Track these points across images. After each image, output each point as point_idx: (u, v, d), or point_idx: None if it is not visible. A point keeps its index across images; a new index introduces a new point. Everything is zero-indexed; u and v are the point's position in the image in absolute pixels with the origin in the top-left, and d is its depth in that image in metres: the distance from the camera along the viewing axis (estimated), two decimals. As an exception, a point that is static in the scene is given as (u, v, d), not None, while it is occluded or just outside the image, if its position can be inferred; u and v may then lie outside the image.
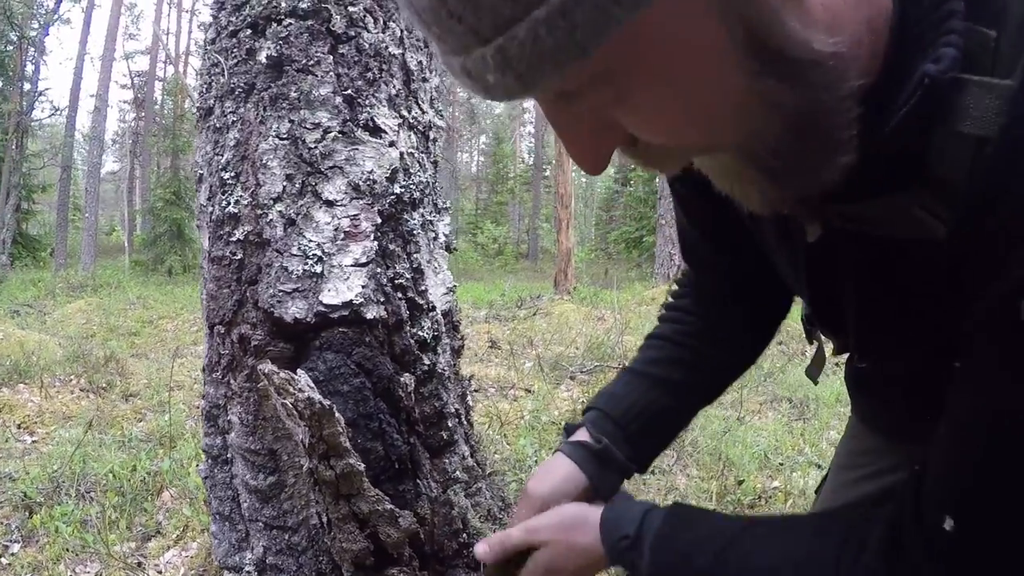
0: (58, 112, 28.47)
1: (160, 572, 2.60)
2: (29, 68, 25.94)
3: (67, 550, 2.79)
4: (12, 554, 2.83)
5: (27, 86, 25.72)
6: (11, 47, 25.45)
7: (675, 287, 1.59)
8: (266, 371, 1.54)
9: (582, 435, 1.38)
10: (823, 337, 1.42)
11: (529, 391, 5.05)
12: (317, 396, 1.50)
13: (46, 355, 6.87)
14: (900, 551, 0.89)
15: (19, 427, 4.81)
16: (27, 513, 3.14)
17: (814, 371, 1.58)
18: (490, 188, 49.18)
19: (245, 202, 1.70)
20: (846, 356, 1.38)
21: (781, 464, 3.68)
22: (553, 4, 0.52)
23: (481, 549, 1.31)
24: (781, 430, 4.26)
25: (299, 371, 1.60)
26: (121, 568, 2.65)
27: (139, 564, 2.70)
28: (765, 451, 3.79)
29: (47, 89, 30.34)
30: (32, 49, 25.90)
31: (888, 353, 1.10)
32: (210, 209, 1.79)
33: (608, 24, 0.53)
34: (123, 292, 16.00)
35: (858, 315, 1.01)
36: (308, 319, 1.65)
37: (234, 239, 1.72)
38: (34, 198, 28.01)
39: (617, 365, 5.57)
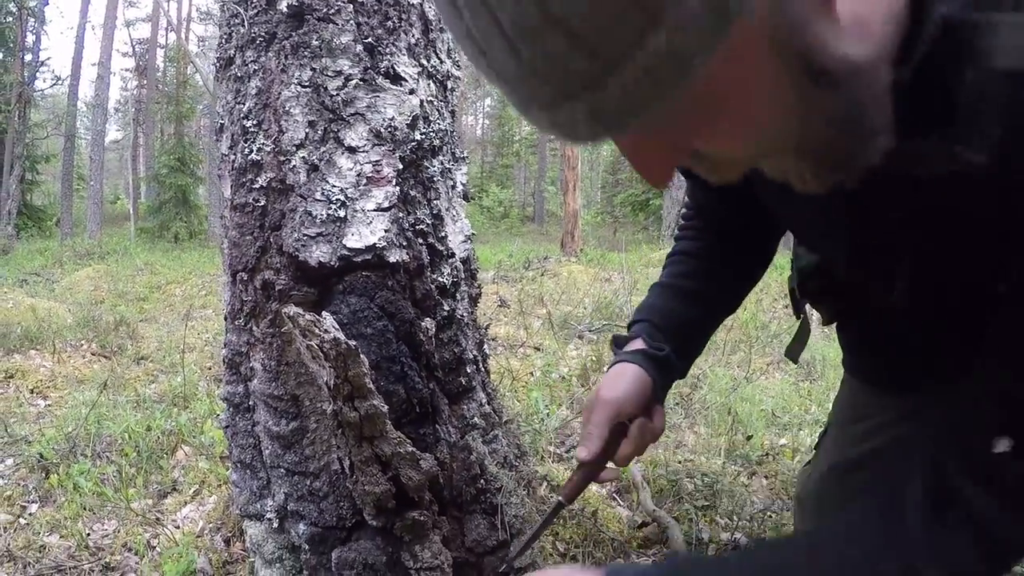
0: (60, 82, 28.37)
1: (178, 527, 2.62)
2: (30, 39, 25.85)
3: (84, 508, 2.82)
4: (30, 514, 2.85)
5: (28, 57, 25.62)
6: (11, 18, 25.32)
7: (684, 211, 1.72)
8: (291, 313, 1.57)
9: (639, 344, 1.52)
10: (809, 310, 1.61)
11: (538, 349, 5.08)
12: (342, 336, 1.52)
13: (56, 321, 6.90)
14: (945, 497, 0.92)
15: (32, 392, 4.85)
16: (43, 474, 3.18)
17: (796, 349, 1.73)
18: (495, 151, 48.93)
19: (268, 149, 1.72)
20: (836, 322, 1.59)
21: (788, 422, 3.71)
22: (637, 61, 0.60)
23: None
24: (788, 389, 4.28)
25: (324, 313, 1.62)
26: (139, 524, 2.68)
27: (157, 520, 2.73)
28: (772, 409, 3.81)
29: (48, 59, 30.20)
30: (32, 19, 25.78)
31: (938, 291, 1.12)
32: (232, 157, 1.81)
33: (686, 74, 0.62)
34: (130, 259, 16.00)
35: (914, 257, 1.05)
36: (332, 263, 1.67)
37: (257, 186, 1.74)
38: (38, 168, 27.92)
39: (626, 325, 5.59)
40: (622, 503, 2.63)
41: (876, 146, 0.80)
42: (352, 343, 1.53)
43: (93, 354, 5.94)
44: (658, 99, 0.64)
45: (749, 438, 3.31)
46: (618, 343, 1.60)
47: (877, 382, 1.62)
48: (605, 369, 1.95)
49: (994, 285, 0.89)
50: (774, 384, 4.38)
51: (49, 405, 4.58)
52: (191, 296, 10.48)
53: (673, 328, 1.53)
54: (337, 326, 1.56)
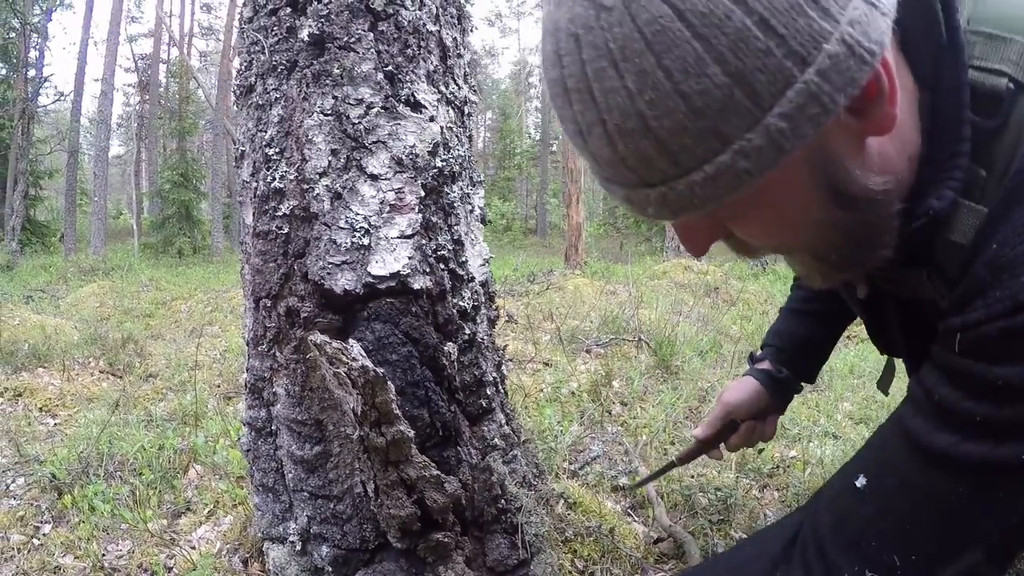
0: (63, 97, 28.47)
1: (194, 547, 2.61)
2: (33, 55, 25.94)
3: (99, 528, 2.80)
4: (43, 534, 2.82)
5: (31, 72, 25.70)
6: (14, 34, 25.41)
7: None
8: (318, 341, 1.58)
9: (766, 365, 2.01)
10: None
11: (547, 364, 5.08)
12: (370, 364, 1.54)
13: (63, 339, 6.88)
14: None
15: (41, 410, 4.80)
16: (56, 494, 3.14)
17: (884, 383, 1.91)
18: (497, 164, 49.04)
19: (291, 177, 1.73)
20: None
21: (798, 434, 3.71)
22: (706, 172, 0.80)
23: None
24: (796, 401, 4.26)
25: (351, 340, 1.64)
26: (155, 544, 2.68)
27: (172, 540, 2.72)
28: (782, 421, 3.81)
29: (51, 75, 30.32)
30: (35, 35, 25.87)
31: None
32: (254, 185, 1.83)
33: (740, 186, 0.81)
34: (135, 275, 15.98)
35: (905, 340, 1.35)
36: (357, 290, 1.69)
37: (280, 213, 1.76)
38: (41, 184, 28.00)
39: (633, 339, 5.60)
40: (637, 519, 2.64)
41: (876, 258, 1.03)
42: (380, 371, 1.55)
43: (101, 371, 5.92)
44: (715, 200, 0.83)
45: (760, 451, 3.31)
46: (752, 359, 2.09)
47: None
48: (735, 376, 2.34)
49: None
50: (783, 395, 4.38)
51: (59, 424, 4.54)
52: (196, 312, 10.47)
53: (796, 350, 2.00)
54: (364, 354, 1.58)
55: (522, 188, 49.40)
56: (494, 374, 2.04)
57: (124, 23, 31.17)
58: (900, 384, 1.80)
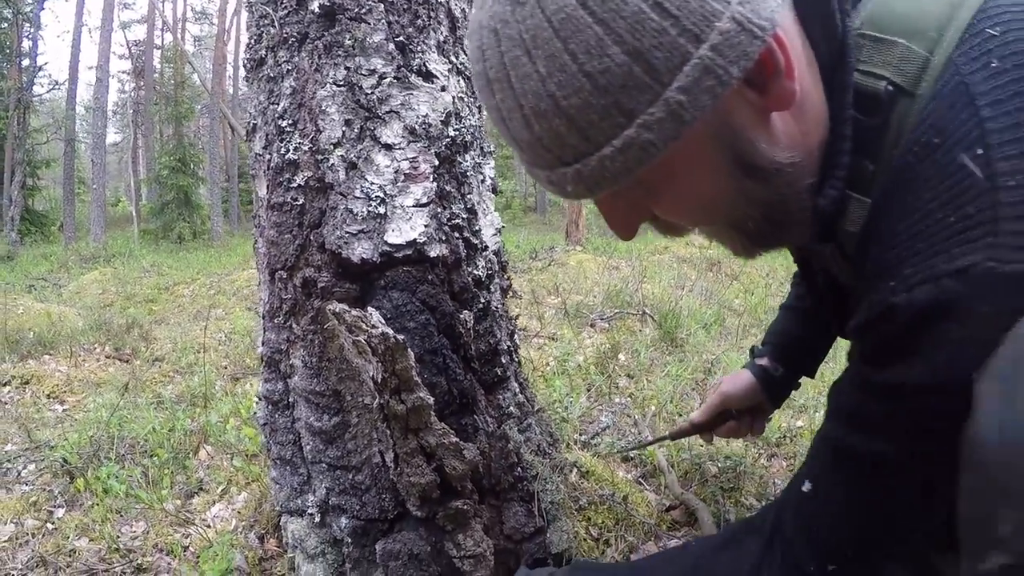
0: (58, 86, 28.39)
1: (209, 526, 2.62)
2: (26, 44, 25.82)
3: (112, 511, 2.82)
4: (57, 518, 2.84)
5: (25, 62, 25.61)
6: (6, 24, 25.32)
7: None
8: (337, 310, 1.59)
9: (764, 361, 2.10)
10: None
11: (553, 338, 5.09)
12: (391, 331, 1.55)
13: (68, 326, 6.90)
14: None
15: (49, 397, 4.84)
16: (68, 478, 3.17)
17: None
18: (496, 142, 48.76)
19: (305, 148, 1.74)
20: None
21: (804, 404, 3.72)
22: (615, 146, 0.87)
23: None
24: (802, 375, 4.30)
25: (369, 308, 1.65)
26: (170, 524, 2.69)
27: (187, 520, 2.74)
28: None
29: (45, 64, 30.12)
30: (28, 25, 25.76)
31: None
32: (267, 157, 1.83)
33: (648, 158, 0.88)
34: (136, 261, 16.00)
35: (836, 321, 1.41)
36: (374, 259, 1.70)
37: (295, 185, 1.76)
38: (39, 174, 27.95)
39: (638, 312, 5.62)
40: (649, 487, 2.66)
41: (793, 232, 1.11)
42: (400, 337, 1.56)
43: (107, 357, 5.94)
44: (626, 173, 0.90)
45: (768, 421, 3.34)
46: (753, 352, 2.17)
47: None
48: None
49: None
50: (788, 366, 4.39)
51: (67, 410, 4.57)
52: (199, 296, 10.48)
53: (793, 349, 2.08)
54: (383, 321, 1.59)
55: (521, 166, 49.31)
56: (508, 343, 2.05)
57: (117, 10, 31.01)
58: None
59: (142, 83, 37.16)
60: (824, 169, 1.04)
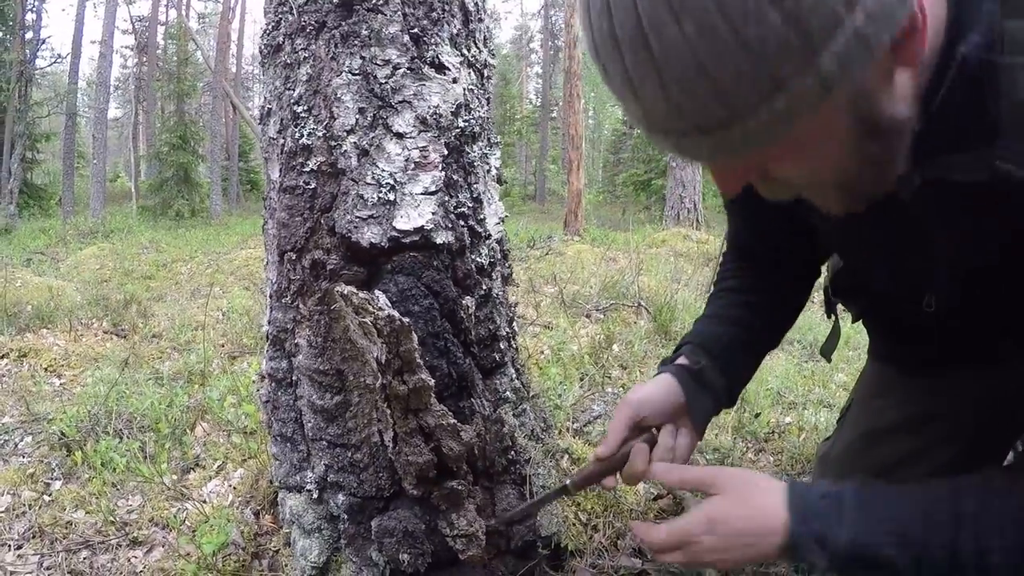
0: (60, 60, 28.24)
1: (205, 501, 2.66)
2: (30, 17, 25.69)
3: (109, 484, 2.87)
4: (54, 490, 2.90)
5: (28, 35, 25.48)
6: (10, -3, 25.18)
7: (722, 258, 1.88)
8: (345, 292, 1.65)
9: (681, 360, 1.63)
10: (839, 311, 1.81)
11: (548, 327, 5.14)
12: (396, 314, 1.61)
13: (66, 300, 6.92)
14: None
15: (47, 370, 4.87)
16: (65, 451, 3.22)
17: (829, 347, 1.85)
18: (497, 129, 48.56)
19: (319, 134, 1.79)
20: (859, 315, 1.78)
21: (793, 401, 3.76)
22: (760, 116, 0.82)
23: (660, 469, 1.46)
24: (792, 370, 4.34)
25: (376, 291, 1.70)
26: (167, 498, 2.72)
27: (183, 494, 2.77)
28: (778, 389, 3.87)
29: (48, 37, 30.05)
30: (31, -3, 25.62)
31: (974, 296, 1.31)
32: (281, 141, 1.88)
33: (791, 127, 0.85)
34: (134, 237, 15.99)
35: (951, 264, 1.26)
36: (383, 243, 1.74)
37: (307, 169, 1.81)
38: (39, 148, 27.81)
39: (633, 304, 5.66)
40: (638, 477, 2.71)
41: (892, 175, 1.05)
42: (406, 320, 1.61)
43: (105, 332, 5.96)
44: (764, 142, 0.86)
45: (757, 416, 3.38)
46: (664, 362, 1.70)
47: (903, 366, 1.76)
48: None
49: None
50: (779, 364, 4.44)
51: (64, 383, 4.60)
52: (198, 274, 10.50)
53: (718, 351, 1.63)
54: (389, 304, 1.65)
55: (521, 154, 49.17)
56: (507, 329, 2.10)
57: (122, -16, 30.86)
58: (842, 353, 1.86)
59: (145, 59, 37.02)
60: (948, 44, 0.96)
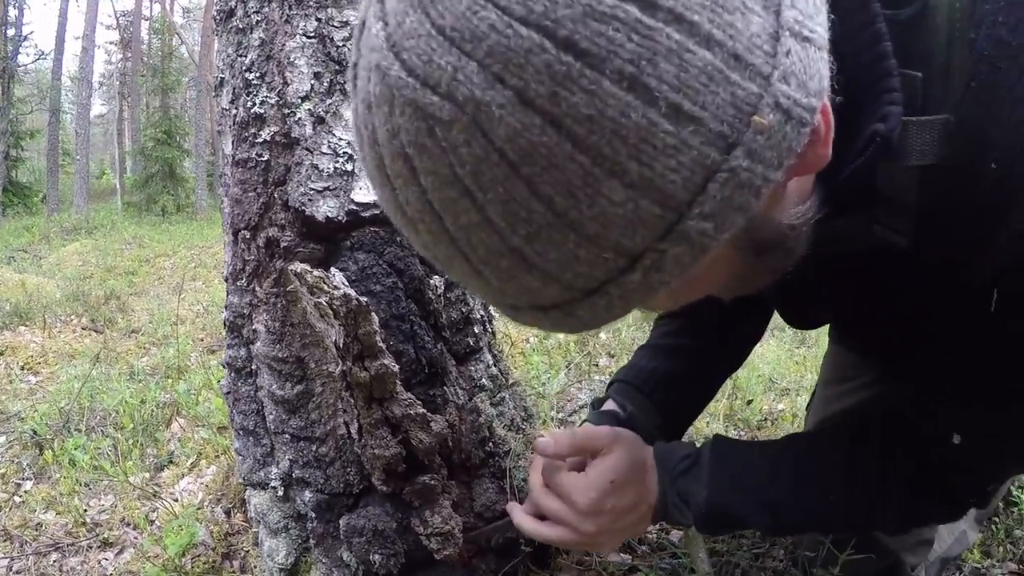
0: (44, 56, 28.23)
1: (176, 499, 2.59)
2: (12, 13, 25.67)
3: (80, 484, 2.81)
4: (25, 491, 2.85)
5: (11, 31, 25.48)
6: (-9, -7, 25.12)
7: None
8: (298, 270, 1.53)
9: (609, 406, 1.58)
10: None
11: (531, 318, 5.10)
12: (353, 293, 1.49)
13: (45, 297, 6.90)
14: (926, 461, 1.15)
15: (23, 368, 4.87)
16: (37, 450, 3.17)
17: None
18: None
19: (271, 102, 1.67)
20: None
21: (786, 388, 3.72)
22: (611, 293, 0.65)
23: (543, 442, 1.42)
24: (784, 356, 4.30)
25: (332, 269, 1.59)
26: (137, 498, 2.65)
27: (154, 493, 2.70)
28: (770, 375, 3.82)
29: (31, 33, 29.97)
30: (14, -8, 25.60)
31: (862, 341, 1.36)
32: (233, 112, 1.76)
33: (654, 295, 0.67)
34: (118, 233, 16.04)
35: (837, 322, 1.33)
36: (340, 218, 1.63)
37: (260, 140, 1.69)
38: (23, 145, 27.77)
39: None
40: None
41: (793, 262, 0.89)
42: (363, 300, 1.49)
43: (83, 328, 5.96)
44: (623, 312, 0.69)
45: (749, 403, 3.32)
46: (595, 405, 1.66)
47: (851, 349, 1.71)
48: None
49: (923, 322, 1.05)
50: (770, 351, 4.39)
51: (40, 381, 4.60)
52: (179, 269, 10.48)
53: (652, 386, 1.57)
54: (346, 282, 1.53)
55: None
56: (481, 312, 1.99)
57: (105, -21, 30.78)
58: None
59: (129, 54, 36.95)
60: (847, 117, 0.78)
